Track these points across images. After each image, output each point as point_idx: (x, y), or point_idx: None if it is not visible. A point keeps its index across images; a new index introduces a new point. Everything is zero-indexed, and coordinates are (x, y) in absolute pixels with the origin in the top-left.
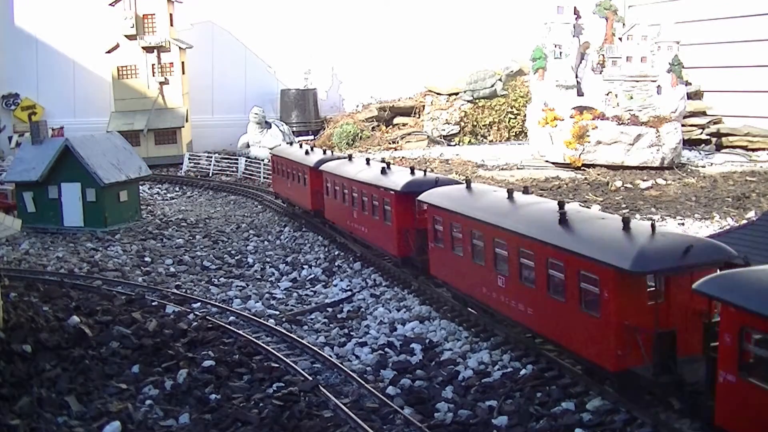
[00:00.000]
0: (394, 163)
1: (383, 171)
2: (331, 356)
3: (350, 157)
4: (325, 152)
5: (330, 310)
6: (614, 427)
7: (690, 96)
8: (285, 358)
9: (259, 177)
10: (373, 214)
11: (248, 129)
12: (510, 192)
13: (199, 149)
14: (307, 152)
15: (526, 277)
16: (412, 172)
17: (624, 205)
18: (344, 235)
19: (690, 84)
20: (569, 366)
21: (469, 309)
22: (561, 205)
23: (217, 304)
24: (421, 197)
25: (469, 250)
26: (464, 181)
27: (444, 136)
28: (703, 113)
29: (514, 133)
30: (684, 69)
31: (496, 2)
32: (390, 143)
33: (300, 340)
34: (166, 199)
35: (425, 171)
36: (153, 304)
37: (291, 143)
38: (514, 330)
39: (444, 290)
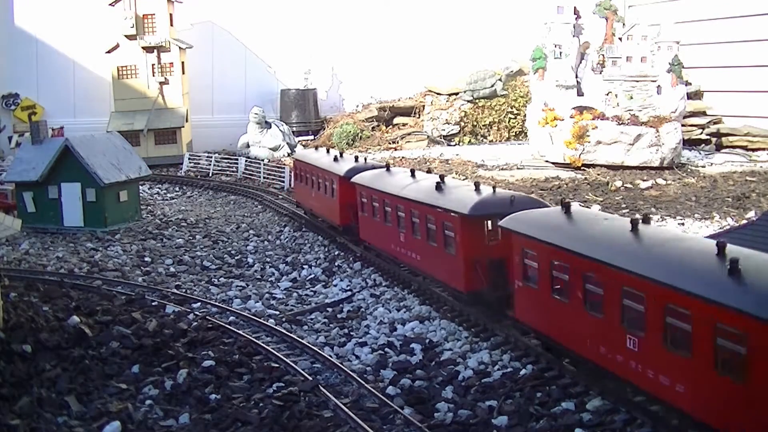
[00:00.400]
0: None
1: (438, 187)
2: (331, 356)
3: (388, 167)
4: (357, 159)
5: (330, 310)
6: (614, 427)
7: (690, 96)
8: (285, 358)
9: (259, 177)
10: (429, 239)
11: (248, 129)
12: (634, 223)
13: (199, 149)
14: (336, 158)
15: (676, 342)
16: (478, 189)
17: (624, 205)
18: (384, 258)
19: (690, 84)
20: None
21: (566, 363)
22: (721, 247)
23: (217, 304)
24: (504, 224)
25: (579, 296)
26: (560, 204)
27: (444, 136)
28: (703, 113)
29: (514, 133)
30: (684, 69)
31: (496, 2)
32: (390, 143)
33: (300, 340)
34: (166, 199)
35: (494, 187)
36: (153, 304)
37: (317, 147)
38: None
39: (530, 338)
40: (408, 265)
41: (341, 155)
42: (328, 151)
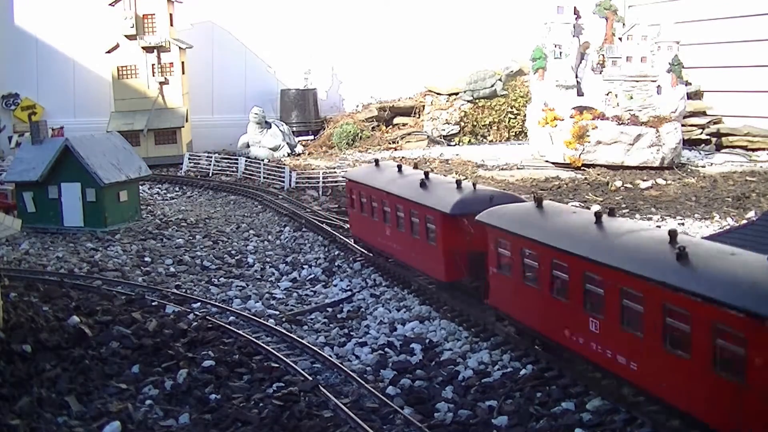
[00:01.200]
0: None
1: (682, 255)
2: (331, 356)
3: (540, 202)
4: (459, 185)
5: (330, 310)
6: (614, 427)
7: (690, 96)
8: (285, 358)
9: (259, 177)
10: (668, 344)
11: (248, 129)
12: None
13: (199, 149)
14: (423, 184)
15: None
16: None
17: (624, 205)
18: (524, 331)
19: (690, 84)
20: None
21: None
22: None
23: (217, 304)
24: None
25: None
26: None
27: (444, 136)
28: (703, 113)
29: (514, 133)
30: (684, 69)
31: (496, 2)
32: (390, 143)
33: (300, 340)
34: (166, 199)
35: None
36: (153, 304)
37: (377, 162)
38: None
39: None
40: (603, 368)
41: (427, 177)
42: (399, 169)
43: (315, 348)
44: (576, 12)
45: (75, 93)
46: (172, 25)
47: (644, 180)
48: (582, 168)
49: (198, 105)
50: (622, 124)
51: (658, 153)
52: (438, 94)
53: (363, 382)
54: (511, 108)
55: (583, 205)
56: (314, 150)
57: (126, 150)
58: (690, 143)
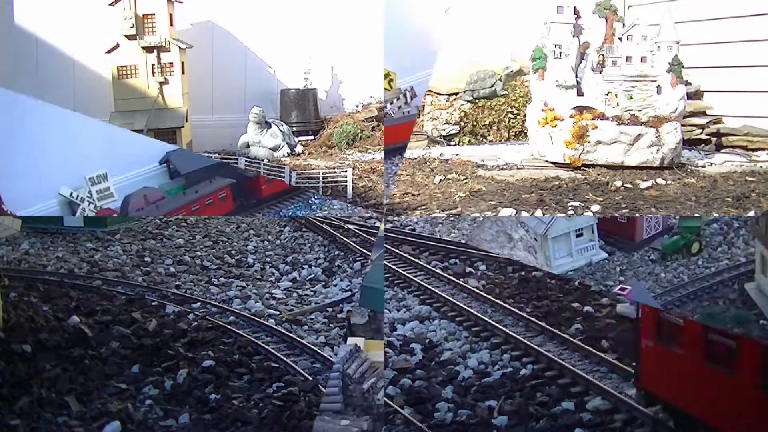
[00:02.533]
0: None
1: None
2: (331, 356)
3: None
4: None
5: (330, 310)
6: (614, 427)
7: (690, 96)
8: (285, 358)
9: None
10: None
11: (248, 129)
12: None
13: (199, 149)
14: None
15: None
16: None
17: (624, 205)
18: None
19: (690, 84)
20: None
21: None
22: None
23: (217, 304)
24: None
25: None
26: None
27: (444, 136)
28: (703, 113)
29: (514, 133)
30: (684, 69)
31: (496, 2)
32: None
33: (300, 339)
34: None
35: None
36: (153, 304)
37: None
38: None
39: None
40: None
41: None
42: None
43: (315, 348)
44: (576, 12)
45: (75, 93)
46: (172, 25)
47: (644, 180)
48: (582, 168)
49: (198, 105)
50: (622, 124)
51: (658, 153)
52: (438, 94)
53: None
54: (511, 108)
55: (582, 204)
56: (314, 150)
57: None
58: (690, 143)
